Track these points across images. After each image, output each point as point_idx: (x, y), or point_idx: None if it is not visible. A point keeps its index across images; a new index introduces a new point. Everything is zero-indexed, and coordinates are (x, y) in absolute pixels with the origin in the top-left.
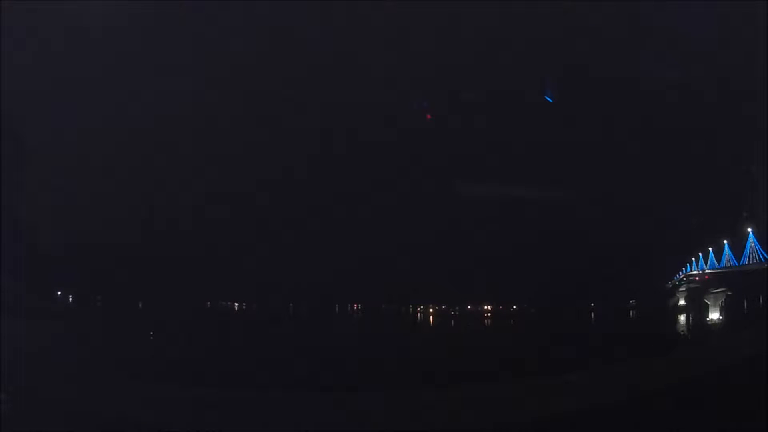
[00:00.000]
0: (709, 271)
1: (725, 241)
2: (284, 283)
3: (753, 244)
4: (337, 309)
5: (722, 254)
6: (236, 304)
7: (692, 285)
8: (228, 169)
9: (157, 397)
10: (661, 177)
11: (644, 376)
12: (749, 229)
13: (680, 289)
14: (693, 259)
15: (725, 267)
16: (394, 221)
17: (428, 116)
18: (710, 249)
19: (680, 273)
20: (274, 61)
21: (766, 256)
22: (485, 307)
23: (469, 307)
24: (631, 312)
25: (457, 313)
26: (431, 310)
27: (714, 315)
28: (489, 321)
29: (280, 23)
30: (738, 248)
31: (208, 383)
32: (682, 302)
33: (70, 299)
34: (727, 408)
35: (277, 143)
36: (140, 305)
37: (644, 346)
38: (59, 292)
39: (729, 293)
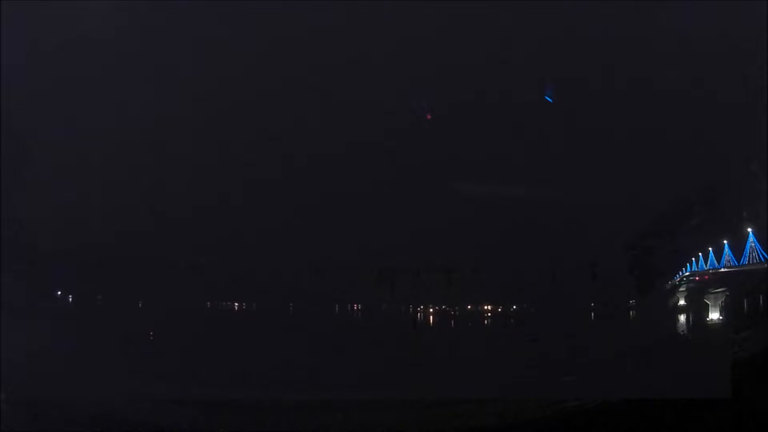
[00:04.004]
0: (709, 271)
1: (725, 241)
2: (284, 282)
3: (753, 244)
4: (337, 309)
5: (722, 254)
6: (236, 304)
7: (692, 285)
8: (227, 168)
9: (157, 397)
10: (661, 177)
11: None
12: (749, 229)
13: (680, 289)
14: (693, 259)
15: (725, 267)
16: (393, 221)
17: (428, 116)
18: (710, 249)
19: (680, 273)
20: (274, 61)
21: (766, 256)
22: (485, 307)
23: (468, 307)
24: (630, 312)
25: (456, 313)
26: (431, 310)
27: (714, 315)
28: (489, 321)
29: (279, 23)
30: (738, 248)
31: (208, 383)
32: (682, 302)
33: (70, 299)
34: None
35: (276, 143)
36: (140, 305)
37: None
38: (59, 292)
39: (729, 293)
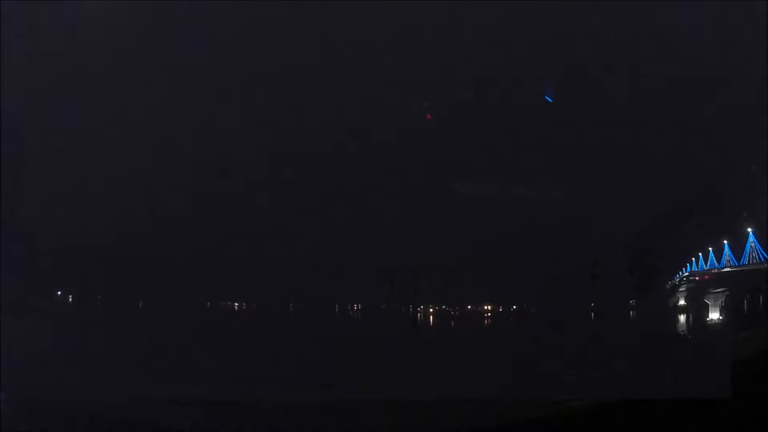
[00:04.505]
0: (709, 271)
1: (725, 241)
2: (284, 282)
3: (753, 244)
4: (337, 309)
5: (722, 254)
6: (236, 304)
7: (692, 285)
8: (227, 168)
9: (157, 397)
10: (660, 177)
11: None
12: (749, 229)
13: (680, 289)
14: (693, 259)
15: (725, 267)
16: (393, 221)
17: (428, 116)
18: (710, 249)
19: (680, 273)
20: (274, 61)
21: (766, 256)
22: (485, 307)
23: (469, 307)
24: (630, 312)
25: (456, 313)
26: (431, 310)
27: (714, 315)
28: (489, 321)
29: (280, 23)
30: (738, 248)
31: (208, 383)
32: (682, 302)
33: (70, 299)
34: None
35: (277, 143)
36: (140, 305)
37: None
38: (59, 292)
39: (729, 293)
